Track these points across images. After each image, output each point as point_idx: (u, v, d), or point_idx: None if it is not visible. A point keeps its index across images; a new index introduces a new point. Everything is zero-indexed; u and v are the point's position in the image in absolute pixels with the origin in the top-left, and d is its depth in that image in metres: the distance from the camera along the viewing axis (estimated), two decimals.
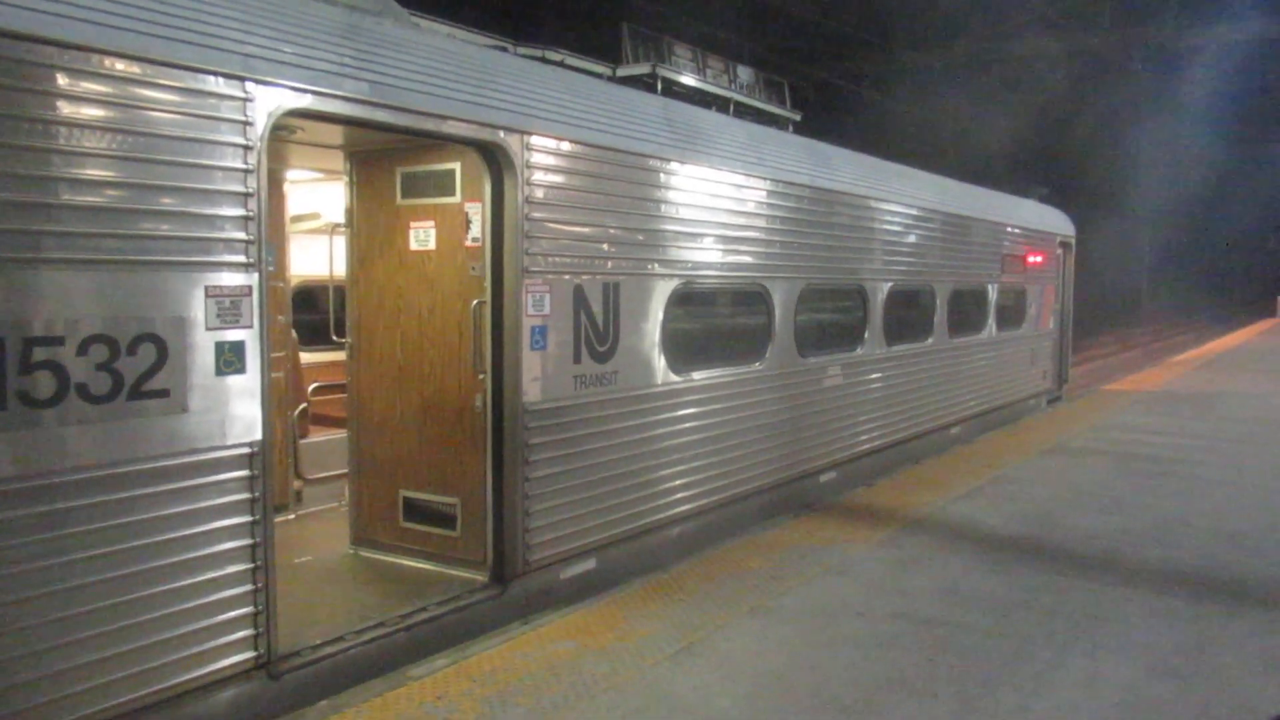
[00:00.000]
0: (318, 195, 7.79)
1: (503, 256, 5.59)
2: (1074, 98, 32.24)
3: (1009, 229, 13.32)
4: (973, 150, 28.81)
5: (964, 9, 26.19)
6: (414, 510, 6.21)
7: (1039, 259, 14.44)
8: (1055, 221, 15.59)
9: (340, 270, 6.80)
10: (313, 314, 8.63)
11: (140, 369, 3.83)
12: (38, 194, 3.52)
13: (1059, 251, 15.54)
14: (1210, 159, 40.91)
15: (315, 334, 8.43)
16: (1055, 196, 16.75)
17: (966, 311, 12.11)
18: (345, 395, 6.61)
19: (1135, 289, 51.60)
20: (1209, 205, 50.63)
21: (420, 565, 6.14)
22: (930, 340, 11.07)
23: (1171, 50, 28.09)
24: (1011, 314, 13.66)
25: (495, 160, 5.52)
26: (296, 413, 7.36)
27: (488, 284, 5.63)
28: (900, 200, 10.14)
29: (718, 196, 7.29)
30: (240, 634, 4.22)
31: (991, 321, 12.85)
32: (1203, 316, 49.61)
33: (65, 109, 3.59)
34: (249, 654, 4.26)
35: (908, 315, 10.58)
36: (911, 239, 10.44)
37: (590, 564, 6.23)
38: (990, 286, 12.78)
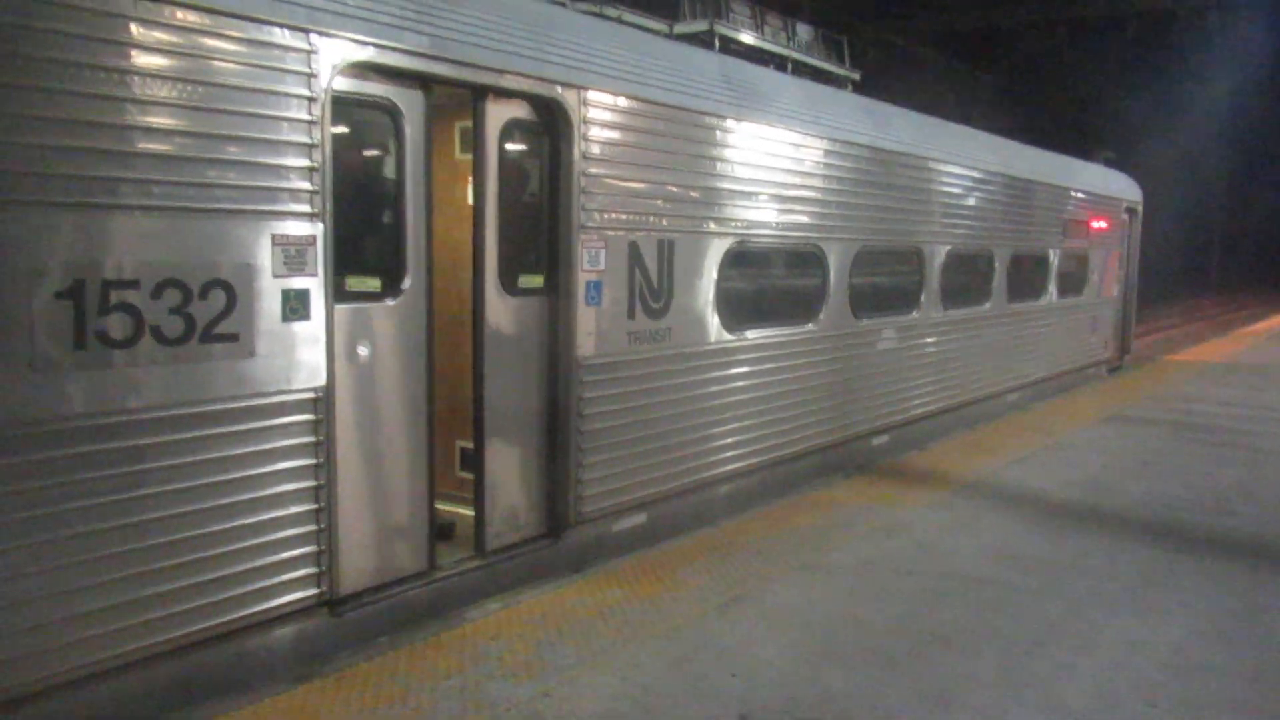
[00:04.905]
0: None
1: (558, 212, 5.64)
2: (1142, 57, 31.21)
3: (1073, 193, 13.03)
4: (1038, 112, 28.09)
5: None
6: (470, 460, 6.33)
7: (1103, 225, 14.11)
8: (1121, 186, 15.20)
9: None
10: None
11: (211, 313, 3.97)
12: (114, 141, 3.65)
13: (1125, 217, 15.16)
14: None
15: None
16: (1121, 160, 16.30)
17: (1026, 277, 11.90)
18: None
19: (1205, 257, 49.97)
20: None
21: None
22: (988, 305, 10.93)
23: (1241, 5, 27.04)
24: (1073, 280, 13.39)
25: (553, 115, 5.56)
26: None
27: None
28: (960, 162, 9.98)
29: (774, 155, 7.25)
30: (304, 571, 4.39)
31: (1052, 288, 12.62)
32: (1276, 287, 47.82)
33: (138, 58, 3.71)
34: (312, 591, 4.43)
35: (965, 279, 10.44)
36: (971, 201, 10.28)
37: (641, 518, 6.32)
38: (1052, 252, 12.53)
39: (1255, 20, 28.59)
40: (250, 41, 4.05)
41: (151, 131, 3.76)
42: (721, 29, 7.88)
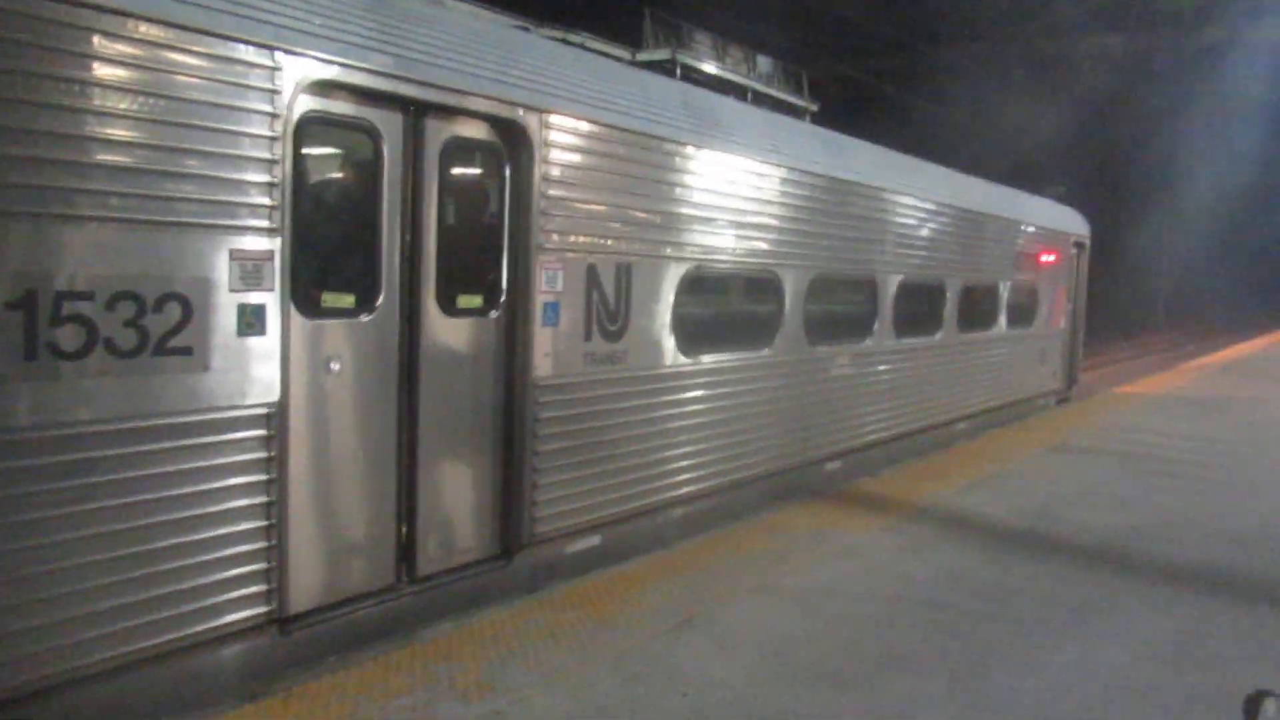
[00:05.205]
0: None
1: (517, 233, 5.67)
2: (1104, 98, 31.90)
3: (1024, 227, 13.34)
4: (996, 147, 28.63)
5: (995, 9, 26.10)
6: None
7: (1052, 258, 14.45)
8: (1070, 221, 15.59)
9: None
10: None
11: (165, 326, 3.95)
12: (72, 152, 3.64)
13: (1073, 251, 15.54)
14: (1249, 160, 39.60)
15: None
16: (1076, 196, 16.69)
17: (977, 307, 12.14)
18: None
19: (1156, 294, 50.85)
20: (1247, 208, 48.85)
21: None
22: (940, 335, 11.12)
23: (1215, 49, 27.73)
24: (1023, 312, 13.67)
25: (513, 137, 5.60)
26: None
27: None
28: (915, 193, 10.18)
29: (732, 182, 7.36)
30: (254, 589, 4.34)
31: (1002, 318, 12.87)
32: (1233, 321, 48.54)
33: (100, 70, 3.70)
34: (262, 609, 4.38)
35: (918, 309, 10.62)
36: (924, 232, 10.48)
37: (595, 540, 6.32)
38: (1002, 283, 12.80)
39: (1226, 64, 29.27)
40: (214, 57, 4.05)
41: (109, 143, 3.74)
42: (683, 58, 8.01)
